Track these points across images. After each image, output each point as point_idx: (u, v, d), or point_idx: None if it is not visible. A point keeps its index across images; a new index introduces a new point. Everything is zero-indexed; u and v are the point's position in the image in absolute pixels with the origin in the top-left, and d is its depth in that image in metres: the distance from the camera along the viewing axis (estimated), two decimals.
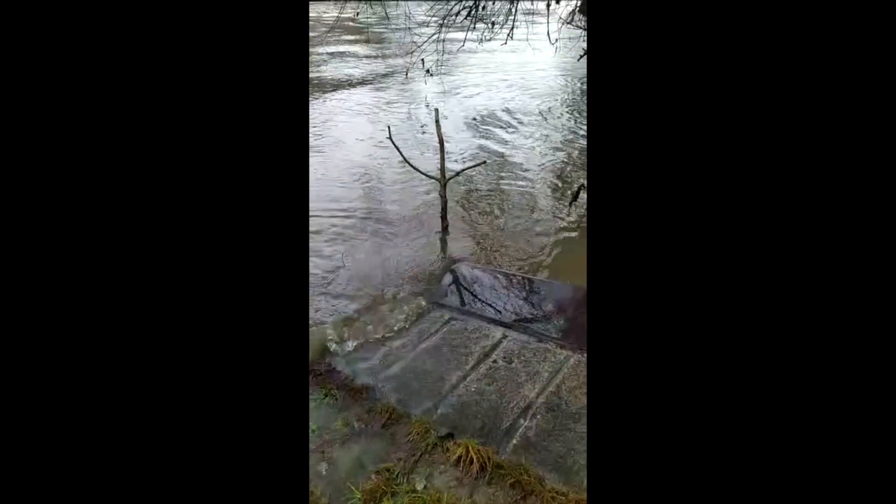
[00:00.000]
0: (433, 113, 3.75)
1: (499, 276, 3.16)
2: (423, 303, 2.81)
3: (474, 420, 1.96)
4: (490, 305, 2.82)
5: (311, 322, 2.61)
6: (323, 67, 8.76)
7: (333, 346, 2.44)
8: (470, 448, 1.78)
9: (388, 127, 3.81)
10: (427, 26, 5.79)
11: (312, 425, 1.94)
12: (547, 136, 6.03)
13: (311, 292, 2.88)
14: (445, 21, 5.36)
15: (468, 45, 5.30)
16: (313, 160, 4.83)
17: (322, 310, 2.80)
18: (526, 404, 2.03)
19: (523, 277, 3.14)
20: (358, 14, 7.75)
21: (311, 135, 5.64)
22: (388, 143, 3.69)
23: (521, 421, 1.95)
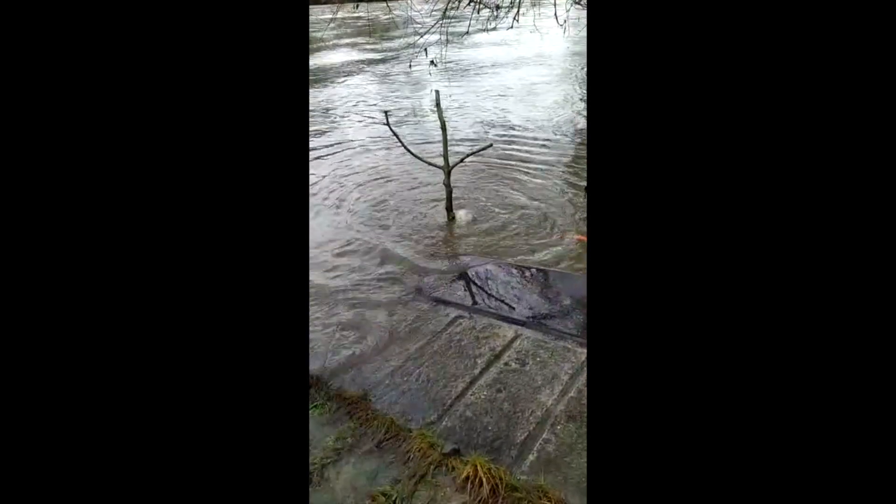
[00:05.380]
0: (434, 95, 3.48)
1: (511, 268, 2.89)
2: (425, 300, 2.56)
3: (484, 433, 1.71)
4: (500, 301, 2.56)
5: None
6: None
7: (326, 352, 2.20)
8: (479, 467, 1.54)
9: (385, 113, 3.56)
10: (431, 15, 5.54)
11: None
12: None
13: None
14: (448, 6, 5.09)
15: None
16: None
17: (313, 312, 2.56)
18: (543, 413, 1.76)
19: (538, 270, 2.87)
20: (357, 7, 7.51)
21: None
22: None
23: (539, 433, 1.68)
